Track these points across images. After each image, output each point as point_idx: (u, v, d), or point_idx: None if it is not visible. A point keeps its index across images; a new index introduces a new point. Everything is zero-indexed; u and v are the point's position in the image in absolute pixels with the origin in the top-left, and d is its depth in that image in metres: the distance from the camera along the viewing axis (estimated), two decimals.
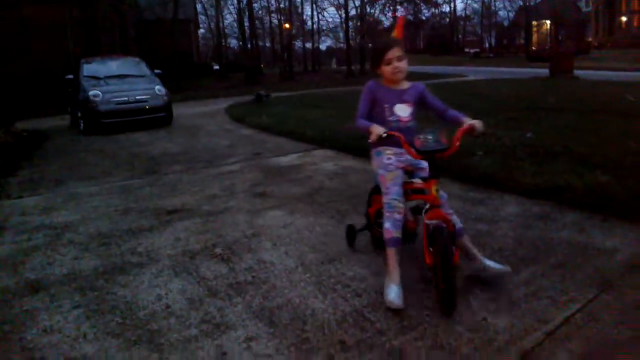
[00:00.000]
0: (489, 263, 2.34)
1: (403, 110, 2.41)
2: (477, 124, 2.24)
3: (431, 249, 2.12)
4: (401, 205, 2.31)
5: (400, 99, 2.41)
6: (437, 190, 2.17)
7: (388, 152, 2.40)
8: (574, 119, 6.73)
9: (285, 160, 5.57)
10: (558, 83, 13.84)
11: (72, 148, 7.50)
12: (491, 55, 46.69)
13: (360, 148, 5.42)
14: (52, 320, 2.24)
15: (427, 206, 2.23)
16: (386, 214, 2.31)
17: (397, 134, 2.20)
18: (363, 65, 28.21)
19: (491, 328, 1.98)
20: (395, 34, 2.64)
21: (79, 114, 9.13)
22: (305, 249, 2.90)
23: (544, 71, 17.66)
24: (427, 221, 2.16)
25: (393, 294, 2.17)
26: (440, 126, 2.26)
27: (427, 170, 2.23)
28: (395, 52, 2.32)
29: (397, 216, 2.29)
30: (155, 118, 9.21)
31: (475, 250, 2.40)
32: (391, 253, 2.28)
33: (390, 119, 2.38)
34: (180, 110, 11.40)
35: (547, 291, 2.25)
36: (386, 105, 2.39)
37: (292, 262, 2.74)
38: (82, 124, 9.03)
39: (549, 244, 2.77)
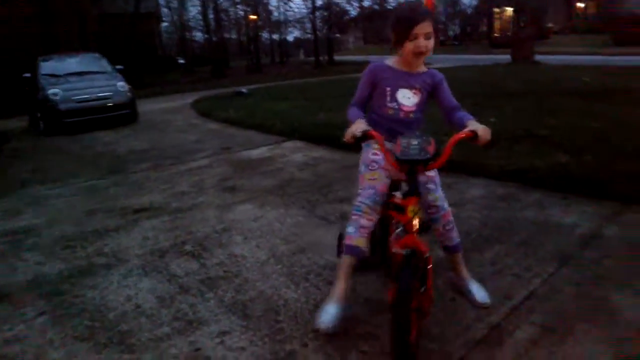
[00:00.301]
0: (474, 289, 2.07)
1: (407, 97, 1.96)
2: (482, 130, 1.73)
3: (392, 286, 1.69)
4: (371, 212, 1.93)
5: (407, 82, 1.95)
6: (414, 212, 1.72)
7: (376, 147, 1.98)
8: (535, 103, 6.94)
9: (254, 153, 5.53)
10: (520, 68, 14.22)
11: (34, 150, 7.21)
12: (456, 43, 47.43)
13: (330, 138, 5.44)
14: (14, 330, 2.16)
15: (399, 229, 1.89)
16: (351, 217, 1.95)
17: (376, 134, 1.77)
18: (331, 56, 28.16)
19: (459, 307, 2.04)
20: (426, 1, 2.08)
21: (39, 114, 8.77)
22: (276, 241, 2.91)
23: (506, 57, 18.11)
24: (394, 249, 1.78)
25: (325, 315, 1.86)
26: (434, 130, 2.01)
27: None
28: (424, 27, 1.80)
29: (363, 222, 1.91)
30: (119, 115, 8.94)
31: (465, 271, 2.13)
32: (344, 262, 1.93)
33: (390, 105, 1.97)
34: (146, 107, 11.11)
35: (512, 268, 2.33)
36: (388, 88, 1.96)
37: (264, 254, 2.74)
38: (42, 125, 8.68)
39: (512, 224, 2.87)
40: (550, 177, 3.50)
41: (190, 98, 12.80)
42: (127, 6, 21.77)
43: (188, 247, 2.92)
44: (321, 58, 28.68)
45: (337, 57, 31.77)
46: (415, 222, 1.74)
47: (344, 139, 1.80)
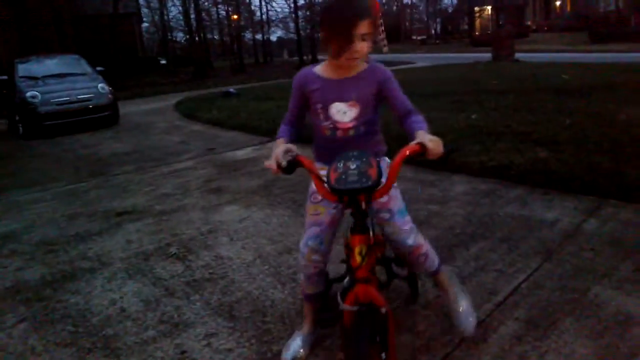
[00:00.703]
0: (461, 317, 1.78)
1: (342, 112, 1.59)
2: (432, 143, 1.36)
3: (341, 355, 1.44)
4: (317, 256, 1.62)
5: (340, 93, 1.58)
6: (362, 255, 1.38)
7: (322, 170, 1.49)
8: (515, 100, 7.05)
9: (239, 154, 5.51)
10: (500, 66, 14.44)
11: (12, 153, 7.05)
12: (437, 41, 47.90)
13: None
14: None
15: (345, 281, 1.62)
16: (299, 263, 1.70)
17: (304, 159, 1.42)
18: (315, 56, 28.15)
19: (445, 304, 2.06)
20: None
21: (17, 118, 8.58)
22: (262, 242, 2.90)
23: (487, 55, 18.35)
24: (341, 307, 1.40)
25: (289, 349, 1.76)
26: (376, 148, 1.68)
27: (387, 212, 1.59)
28: (364, 27, 1.44)
29: (309, 271, 1.65)
30: (100, 118, 8.80)
31: (452, 291, 1.82)
32: (307, 306, 1.81)
33: (325, 124, 1.62)
34: (127, 109, 10.96)
35: (496, 264, 2.37)
36: (319, 106, 1.61)
37: (250, 255, 2.73)
38: (21, 128, 8.50)
39: (495, 220, 2.91)
40: (531, 173, 3.56)
41: (173, 99, 12.66)
42: (106, 7, 21.44)
43: (173, 250, 2.89)
44: (305, 57, 28.67)
45: (320, 57, 31.79)
46: (366, 267, 1.39)
47: (266, 166, 1.45)
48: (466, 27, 49.44)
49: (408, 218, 1.66)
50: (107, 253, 2.94)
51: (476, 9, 45.63)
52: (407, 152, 1.35)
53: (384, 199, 1.55)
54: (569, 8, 40.46)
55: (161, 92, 16.09)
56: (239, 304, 2.22)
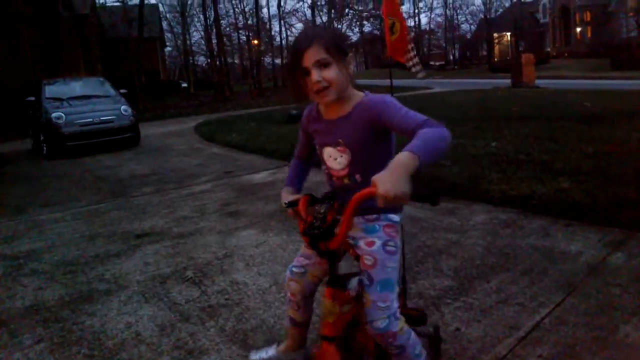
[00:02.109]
0: None
1: (333, 158, 1.43)
2: (382, 186, 1.05)
3: None
4: (294, 285, 1.54)
5: (330, 137, 1.41)
6: (333, 314, 1.29)
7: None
8: (536, 127, 6.98)
9: (257, 177, 5.54)
10: (520, 92, 14.37)
11: (35, 173, 7.24)
12: (455, 67, 48.12)
13: None
14: (11, 359, 2.13)
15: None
16: None
17: (301, 208, 1.39)
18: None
19: (464, 337, 2.00)
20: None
21: (42, 137, 8.85)
22: (278, 268, 2.88)
23: (506, 81, 18.32)
24: None
25: (257, 353, 1.74)
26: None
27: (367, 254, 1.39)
28: (313, 54, 1.28)
29: (289, 297, 1.58)
30: (121, 139, 9.01)
31: None
32: (289, 328, 1.68)
33: (324, 168, 1.49)
34: (148, 130, 11.21)
35: (517, 298, 2.30)
36: (317, 148, 1.49)
37: (266, 281, 2.71)
38: (45, 148, 8.75)
39: (516, 251, 2.84)
40: (553, 203, 3.49)
41: (193, 122, 12.92)
42: (131, 31, 22.22)
43: (189, 274, 2.89)
44: None
45: None
46: (334, 325, 1.27)
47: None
48: (485, 53, 49.63)
49: (391, 296, 1.35)
50: (124, 275, 2.96)
51: (495, 35, 45.90)
52: (360, 198, 1.15)
53: (368, 260, 1.37)
54: (589, 34, 40.33)
55: (182, 114, 16.45)
56: (253, 332, 2.19)
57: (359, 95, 1.39)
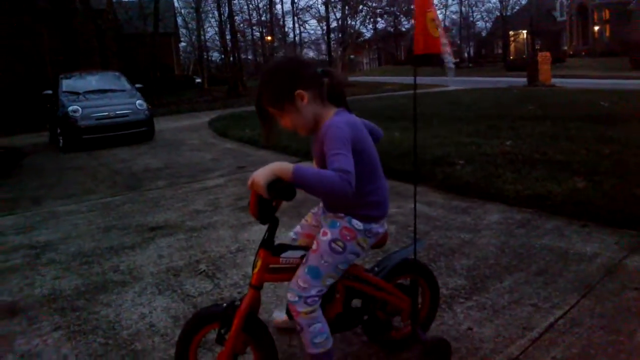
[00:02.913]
0: None
1: None
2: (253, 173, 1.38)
3: None
4: None
5: (312, 152, 1.65)
6: (256, 264, 1.58)
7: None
8: (552, 127, 6.89)
9: None
10: (535, 91, 14.18)
11: (52, 165, 7.36)
12: (470, 65, 47.61)
13: None
14: (30, 344, 2.18)
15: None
16: None
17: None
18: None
19: (477, 337, 1.99)
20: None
21: (58, 131, 8.98)
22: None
23: (521, 80, 18.08)
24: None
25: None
26: None
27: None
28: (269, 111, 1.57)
29: None
30: (136, 133, 9.11)
31: None
32: None
33: None
34: (163, 125, 11.31)
35: (531, 298, 2.28)
36: None
37: None
38: (61, 141, 8.88)
39: (531, 251, 2.81)
40: (568, 203, 3.44)
41: (206, 117, 13.00)
42: (147, 27, 22.39)
43: (202, 267, 2.92)
44: None
45: (351, 78, 32.10)
46: (256, 275, 1.57)
47: None
48: (500, 51, 49.02)
49: (312, 282, 1.52)
50: (138, 267, 3.00)
51: (511, 33, 45.29)
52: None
53: (314, 245, 1.58)
54: (607, 33, 39.57)
55: (195, 109, 16.55)
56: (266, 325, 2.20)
57: (330, 115, 1.52)
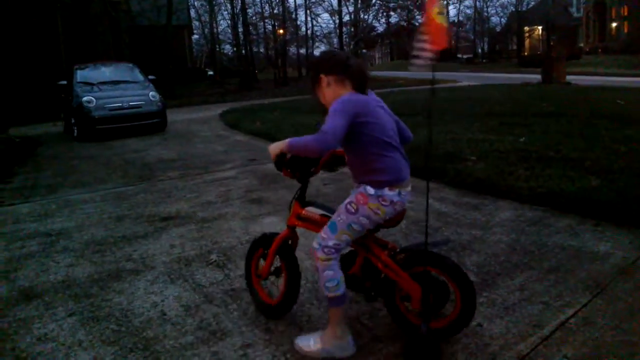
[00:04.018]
0: (312, 341, 1.96)
1: None
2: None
3: None
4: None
5: None
6: (292, 207, 2.13)
7: None
8: (566, 124, 6.79)
9: None
10: (550, 88, 13.98)
11: (66, 155, 7.46)
12: (484, 60, 47.07)
13: None
14: (46, 328, 2.23)
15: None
16: None
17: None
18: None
19: (486, 333, 1.99)
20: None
21: (73, 120, 9.09)
22: (301, 255, 2.87)
23: (536, 76, 17.83)
24: None
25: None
26: None
27: None
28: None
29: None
30: (149, 124, 9.19)
31: (329, 330, 1.90)
32: None
33: None
34: (175, 117, 11.38)
35: (542, 296, 2.27)
36: None
37: None
38: (75, 130, 9.00)
39: (542, 249, 2.79)
40: (582, 202, 3.40)
41: (218, 109, 13.05)
42: (160, 19, 22.46)
43: (213, 257, 2.95)
44: None
45: None
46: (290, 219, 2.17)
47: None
48: (515, 47, 48.36)
49: (329, 234, 1.85)
50: (150, 256, 3.04)
51: (526, 28, 44.66)
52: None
53: (338, 207, 1.91)
54: (626, 29, 38.81)
55: (207, 102, 16.63)
56: None
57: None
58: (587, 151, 4.95)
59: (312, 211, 2.03)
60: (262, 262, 2.24)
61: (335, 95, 1.85)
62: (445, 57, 46.74)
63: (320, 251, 1.85)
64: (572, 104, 9.42)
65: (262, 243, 2.23)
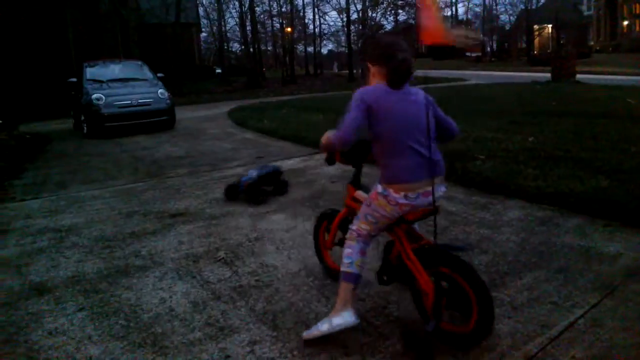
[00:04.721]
0: (322, 322, 2.03)
1: None
2: None
3: None
4: None
5: None
6: (346, 191, 2.30)
7: None
8: (575, 123, 6.73)
9: (287, 163, 5.59)
10: (560, 87, 13.85)
11: (75, 151, 7.53)
12: (493, 59, 46.70)
13: None
14: (57, 323, 2.26)
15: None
16: None
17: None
18: (364, 69, 28.22)
19: (494, 333, 1.98)
20: None
21: (82, 118, 9.17)
22: (308, 253, 2.91)
23: (545, 75, 17.68)
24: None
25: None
26: None
27: None
28: None
29: None
30: (158, 121, 9.24)
31: (338, 305, 1.99)
32: None
33: None
34: (183, 114, 11.43)
35: (550, 296, 2.25)
36: None
37: (295, 265, 2.75)
38: (85, 127, 9.07)
39: (551, 249, 2.77)
40: (591, 202, 3.37)
41: (226, 107, 13.09)
42: (168, 17, 22.55)
43: (221, 254, 2.97)
44: (355, 71, 28.81)
45: None
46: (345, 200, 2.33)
47: None
48: (524, 45, 47.93)
49: (355, 220, 2.04)
50: (159, 253, 3.06)
51: (535, 27, 44.23)
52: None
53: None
54: (637, 28, 38.31)
55: (215, 99, 16.69)
56: (282, 314, 2.24)
57: None
58: (597, 151, 4.90)
59: (361, 195, 2.19)
60: (326, 236, 2.50)
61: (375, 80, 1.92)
62: (454, 55, 46.49)
63: (349, 231, 2.05)
64: (582, 103, 9.33)
65: (326, 216, 2.51)
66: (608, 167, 4.23)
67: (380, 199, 1.90)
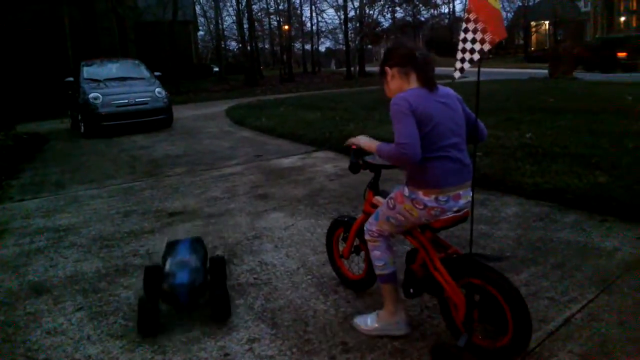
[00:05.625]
0: (368, 318, 2.08)
1: None
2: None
3: None
4: None
5: None
6: (365, 197, 2.23)
7: None
8: (573, 120, 6.75)
9: (286, 162, 5.59)
10: (557, 84, 13.86)
11: (73, 151, 7.51)
12: (490, 56, 46.68)
13: None
14: (55, 322, 2.26)
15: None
16: None
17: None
18: (362, 67, 28.15)
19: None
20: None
21: (80, 117, 9.14)
22: (306, 251, 2.92)
23: (542, 72, 17.69)
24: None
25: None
26: None
27: None
28: None
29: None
30: (155, 120, 9.21)
31: (388, 307, 2.01)
32: None
33: None
34: (181, 113, 11.40)
35: (548, 291, 2.27)
36: None
37: (294, 263, 2.76)
38: (82, 127, 9.04)
39: (548, 245, 2.79)
40: (588, 198, 3.39)
41: (224, 105, 13.06)
42: (165, 15, 22.46)
43: (220, 252, 2.97)
44: (352, 69, 28.78)
45: (368, 68, 31.82)
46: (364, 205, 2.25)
47: None
48: (521, 42, 47.93)
49: (372, 221, 2.01)
50: (158, 252, 3.05)
51: (533, 23, 44.23)
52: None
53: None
54: (634, 23, 38.34)
55: (213, 98, 16.64)
56: (281, 312, 2.24)
57: (405, 90, 1.82)
58: (594, 147, 4.91)
59: (379, 200, 2.12)
60: (342, 244, 2.41)
61: (401, 89, 1.81)
62: (448, 52, 46.39)
63: (367, 233, 2.01)
64: (579, 99, 9.34)
65: (342, 224, 2.41)
66: (605, 163, 4.24)
67: (407, 203, 1.82)
